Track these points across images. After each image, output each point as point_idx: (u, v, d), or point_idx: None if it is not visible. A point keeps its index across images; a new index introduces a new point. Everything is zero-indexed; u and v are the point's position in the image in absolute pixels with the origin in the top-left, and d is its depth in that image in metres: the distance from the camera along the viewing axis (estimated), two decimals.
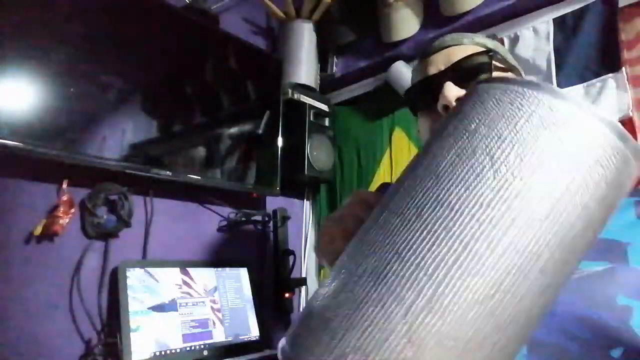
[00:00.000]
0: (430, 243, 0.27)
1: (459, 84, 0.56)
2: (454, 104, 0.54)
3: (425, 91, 0.60)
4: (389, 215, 0.31)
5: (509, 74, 0.61)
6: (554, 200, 0.27)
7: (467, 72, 0.57)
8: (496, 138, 0.29)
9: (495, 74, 0.57)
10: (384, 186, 0.47)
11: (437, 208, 0.28)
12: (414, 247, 0.27)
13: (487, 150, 0.29)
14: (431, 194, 0.29)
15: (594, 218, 0.29)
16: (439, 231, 0.27)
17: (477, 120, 0.30)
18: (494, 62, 0.57)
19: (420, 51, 0.65)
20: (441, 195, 0.28)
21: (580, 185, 0.28)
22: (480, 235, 0.27)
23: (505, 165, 0.28)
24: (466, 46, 0.60)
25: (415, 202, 0.29)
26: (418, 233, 0.28)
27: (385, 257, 0.28)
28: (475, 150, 0.29)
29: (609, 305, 0.41)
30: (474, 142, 0.29)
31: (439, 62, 0.60)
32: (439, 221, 0.27)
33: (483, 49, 0.59)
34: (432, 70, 0.60)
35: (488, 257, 0.26)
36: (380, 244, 0.29)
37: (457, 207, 0.27)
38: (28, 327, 1.01)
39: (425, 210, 0.28)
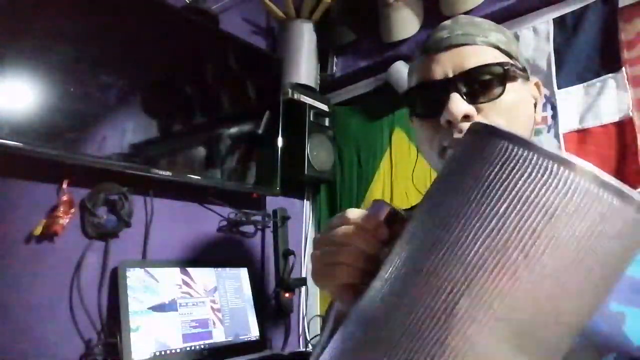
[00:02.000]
0: (462, 330, 0.27)
1: (468, 97, 0.51)
2: (460, 121, 0.50)
3: (428, 96, 0.55)
4: (415, 303, 0.29)
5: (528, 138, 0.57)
6: (583, 296, 0.27)
7: (478, 85, 0.52)
8: (530, 232, 0.26)
9: (507, 86, 0.52)
10: (376, 203, 0.45)
11: (471, 309, 0.27)
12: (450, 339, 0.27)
13: (522, 246, 0.26)
14: (461, 293, 0.27)
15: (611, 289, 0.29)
16: (469, 332, 0.27)
17: (507, 202, 0.27)
18: (508, 74, 0.53)
19: (424, 43, 0.58)
20: (474, 294, 0.27)
21: (613, 271, 0.28)
22: (510, 336, 0.27)
23: (541, 267, 0.26)
24: (479, 48, 0.53)
25: (443, 298, 0.28)
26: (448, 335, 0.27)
27: (428, 345, 0.27)
28: (508, 245, 0.27)
29: (601, 312, 0.40)
30: (504, 233, 0.27)
31: (447, 65, 0.53)
32: (472, 326, 0.27)
33: (498, 59, 0.53)
34: (438, 73, 0.54)
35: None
36: (415, 323, 0.28)
37: (491, 310, 0.26)
38: (28, 327, 1.01)
39: (457, 310, 0.27)
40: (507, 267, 0.26)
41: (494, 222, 0.27)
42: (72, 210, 1.07)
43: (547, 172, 0.27)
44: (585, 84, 1.15)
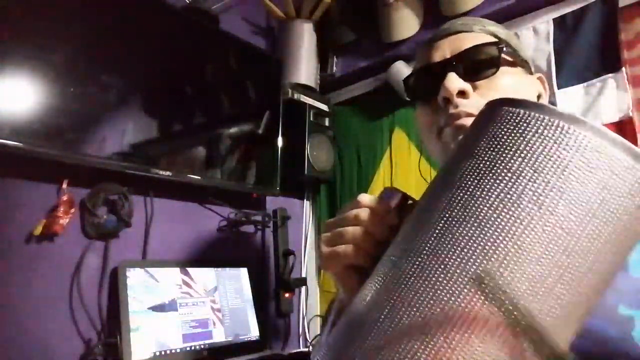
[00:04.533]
0: (479, 303, 0.26)
1: (464, 75, 0.52)
2: (455, 97, 0.51)
3: (427, 79, 0.56)
4: (430, 263, 0.28)
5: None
6: (597, 253, 0.27)
7: (473, 64, 0.53)
8: (544, 184, 0.27)
9: (502, 69, 0.53)
10: (387, 190, 0.45)
11: (485, 262, 0.26)
12: (463, 306, 0.26)
13: (535, 198, 0.27)
14: (476, 245, 0.27)
15: (628, 256, 0.29)
16: (487, 290, 0.26)
17: (520, 159, 0.28)
18: (503, 55, 0.54)
19: (426, 39, 0.61)
20: (487, 247, 0.27)
21: (623, 232, 0.28)
22: (531, 294, 0.26)
23: (555, 217, 0.26)
24: (476, 34, 0.56)
25: (458, 252, 0.27)
26: (465, 290, 0.26)
27: (430, 313, 0.27)
28: (522, 198, 0.27)
29: (610, 316, 0.40)
30: (518, 186, 0.27)
31: (445, 49, 0.55)
32: (487, 278, 0.26)
33: (493, 40, 0.55)
34: (437, 56, 0.56)
35: (538, 307, 0.26)
36: (422, 296, 0.27)
37: (505, 261, 0.26)
38: (28, 326, 1.01)
39: (470, 264, 0.27)
40: (522, 219, 0.27)
41: (508, 176, 0.28)
42: (72, 210, 1.07)
43: (559, 130, 0.28)
44: (585, 84, 1.15)
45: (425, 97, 0.57)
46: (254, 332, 1.32)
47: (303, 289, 1.60)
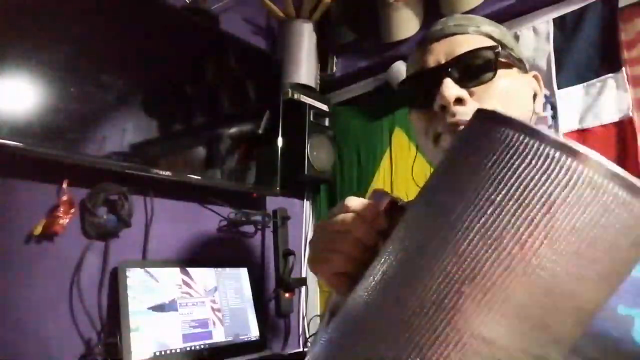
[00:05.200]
0: (452, 343, 0.26)
1: (460, 81, 0.51)
2: (452, 105, 0.50)
3: (422, 85, 0.55)
4: (407, 292, 0.28)
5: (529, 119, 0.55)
6: (583, 294, 0.26)
7: (469, 70, 0.52)
8: (528, 221, 0.25)
9: (498, 72, 0.52)
10: (376, 192, 0.45)
11: (462, 302, 0.26)
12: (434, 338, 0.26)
13: (518, 237, 0.25)
14: (452, 285, 0.26)
15: (616, 289, 0.28)
16: (463, 328, 0.26)
17: (504, 190, 0.26)
18: (499, 58, 0.53)
19: (420, 39, 0.59)
20: (464, 288, 0.26)
21: (613, 271, 0.27)
22: (510, 334, 0.26)
23: (537, 258, 0.25)
24: (471, 36, 0.54)
25: (435, 285, 0.27)
26: (437, 326, 0.26)
27: (423, 330, 0.26)
28: (502, 235, 0.25)
29: (610, 316, 0.40)
30: (501, 221, 0.25)
31: (440, 53, 0.54)
32: (459, 313, 0.26)
33: (490, 44, 0.54)
34: (431, 61, 0.54)
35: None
36: (413, 312, 0.27)
37: (482, 303, 0.25)
38: (28, 326, 1.01)
39: (447, 301, 0.26)
40: (502, 259, 0.25)
41: (489, 210, 0.26)
42: (72, 210, 1.07)
43: (549, 160, 0.25)
44: (585, 84, 1.15)
45: (421, 103, 0.55)
46: (254, 332, 1.32)
47: (303, 289, 1.60)
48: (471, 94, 0.52)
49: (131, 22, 1.20)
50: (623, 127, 1.07)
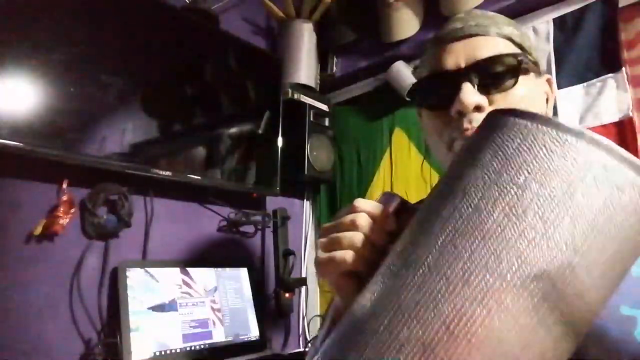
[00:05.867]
0: (481, 317, 0.26)
1: (479, 87, 0.50)
2: (471, 112, 0.49)
3: (438, 87, 0.53)
4: (430, 274, 0.28)
5: (545, 114, 0.54)
6: (601, 268, 0.27)
7: (490, 76, 0.50)
8: (549, 199, 0.27)
9: (520, 79, 0.51)
10: (386, 194, 0.44)
11: (487, 276, 0.26)
12: (464, 319, 0.26)
13: (540, 213, 0.27)
14: (479, 258, 0.27)
15: (630, 269, 0.29)
16: (490, 303, 0.26)
17: (526, 173, 0.28)
18: (521, 65, 0.51)
19: (437, 35, 0.57)
20: (490, 263, 0.26)
21: (628, 248, 0.28)
22: (533, 308, 0.26)
23: (559, 233, 0.26)
24: (492, 39, 0.52)
25: (461, 265, 0.27)
26: (467, 303, 0.26)
27: (432, 328, 0.26)
28: (527, 212, 0.27)
29: (612, 316, 0.40)
30: (524, 200, 0.27)
31: (460, 56, 0.52)
32: (490, 292, 0.26)
33: (511, 49, 0.52)
34: (450, 63, 0.52)
35: (536, 333, 0.26)
36: (422, 308, 0.27)
37: (509, 277, 0.26)
38: (28, 327, 1.01)
39: (473, 277, 0.26)
40: (527, 234, 0.26)
41: (514, 189, 0.27)
42: (72, 210, 1.07)
43: (567, 145, 0.28)
44: (585, 84, 1.15)
45: (436, 104, 0.54)
46: (254, 332, 1.32)
47: (303, 289, 1.60)
48: (490, 102, 0.51)
49: (131, 22, 1.20)
50: (623, 127, 1.07)
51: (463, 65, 0.51)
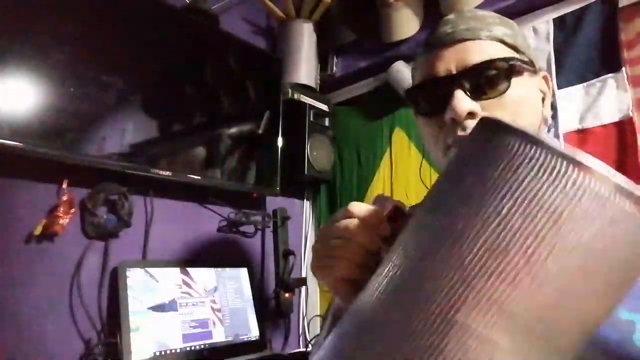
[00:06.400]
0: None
1: (471, 93, 0.50)
2: (464, 119, 0.49)
3: (431, 94, 0.54)
4: (412, 299, 0.28)
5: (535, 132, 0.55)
6: (588, 308, 0.26)
7: (482, 82, 0.50)
8: (534, 235, 0.25)
9: (512, 81, 0.50)
10: (380, 198, 0.45)
11: (467, 315, 0.26)
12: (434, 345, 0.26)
13: (524, 250, 0.25)
14: (459, 293, 0.26)
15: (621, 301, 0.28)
16: (468, 341, 0.26)
17: (510, 202, 0.26)
18: (513, 69, 0.51)
19: (428, 39, 0.57)
20: (469, 300, 0.26)
21: (620, 282, 0.27)
22: (506, 345, 0.26)
23: (544, 272, 0.25)
24: (484, 43, 0.52)
25: (441, 297, 0.26)
26: (443, 336, 0.26)
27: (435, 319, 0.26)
28: (509, 248, 0.25)
29: (611, 320, 0.39)
30: (507, 234, 0.25)
31: (450, 61, 0.52)
32: (466, 328, 0.26)
33: (503, 52, 0.52)
34: (441, 69, 0.52)
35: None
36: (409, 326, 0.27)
37: (489, 315, 0.25)
38: (28, 327, 1.01)
39: (452, 314, 0.26)
40: (508, 272, 0.25)
41: (495, 223, 0.26)
42: (72, 210, 1.07)
43: (555, 172, 0.25)
44: (585, 84, 1.15)
45: (430, 111, 0.54)
46: (254, 332, 1.32)
47: (303, 289, 1.60)
48: (483, 107, 0.50)
49: (131, 22, 1.20)
50: (623, 127, 1.07)
51: (454, 71, 0.51)
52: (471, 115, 0.50)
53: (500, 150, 0.27)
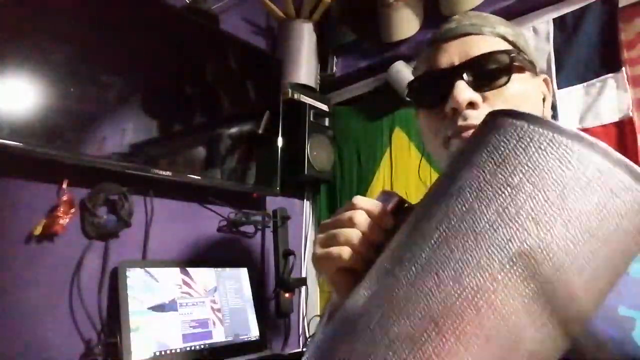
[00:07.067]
0: (470, 316, 0.26)
1: (473, 84, 0.51)
2: (465, 108, 0.50)
3: (433, 85, 0.54)
4: (422, 273, 0.28)
5: (542, 113, 0.54)
6: (593, 271, 0.27)
7: (484, 73, 0.51)
8: (542, 201, 0.27)
9: (512, 76, 0.51)
10: (384, 193, 0.45)
11: (479, 276, 0.26)
12: (453, 317, 0.26)
13: (533, 214, 0.27)
14: (471, 258, 0.27)
15: (622, 273, 0.29)
16: (480, 303, 0.26)
17: (520, 174, 0.28)
18: (514, 63, 0.52)
19: (433, 35, 0.58)
20: (482, 262, 0.26)
21: (621, 252, 0.28)
22: (522, 309, 0.26)
23: (551, 234, 0.26)
24: (486, 38, 0.53)
25: (453, 264, 0.27)
26: (458, 302, 0.26)
27: (422, 325, 0.27)
28: (519, 213, 0.27)
29: (610, 317, 0.40)
30: (517, 201, 0.27)
31: (453, 53, 0.53)
32: (480, 292, 0.26)
33: (505, 47, 0.53)
34: (444, 61, 0.53)
35: (525, 334, 0.26)
36: (413, 305, 0.27)
37: (499, 277, 0.26)
38: (28, 327, 1.01)
39: (464, 276, 0.27)
40: (519, 235, 0.26)
41: (507, 190, 0.28)
42: (72, 210, 1.07)
43: (562, 147, 0.28)
44: (585, 84, 1.15)
45: (431, 103, 0.55)
46: (254, 332, 1.32)
47: (303, 289, 1.60)
48: (484, 99, 0.51)
49: (131, 22, 1.20)
50: (623, 127, 1.07)
51: (457, 63, 0.52)
52: (472, 105, 0.50)
53: (510, 130, 0.30)
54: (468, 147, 0.33)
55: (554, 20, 1.22)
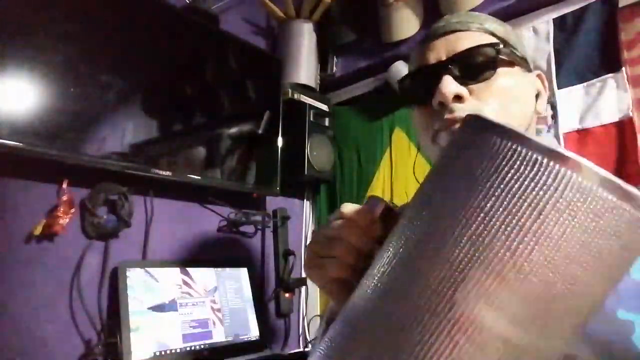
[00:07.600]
0: (446, 346, 0.26)
1: (460, 78, 0.51)
2: (450, 102, 0.50)
3: (421, 81, 0.55)
4: (402, 296, 0.28)
5: (524, 130, 0.55)
6: (576, 297, 0.26)
7: (470, 66, 0.52)
8: (517, 229, 0.25)
9: (500, 70, 0.52)
10: (371, 199, 0.45)
11: (456, 309, 0.26)
12: (428, 349, 0.26)
13: (508, 244, 0.25)
14: (446, 289, 0.26)
15: (612, 290, 0.28)
16: (457, 336, 0.26)
17: (493, 198, 0.26)
18: (500, 55, 0.52)
19: (422, 38, 0.59)
20: (456, 295, 0.26)
21: (605, 273, 0.26)
22: (493, 339, 0.26)
23: (528, 265, 0.25)
24: (473, 33, 0.54)
25: (429, 291, 0.27)
26: (434, 328, 0.26)
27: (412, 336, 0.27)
28: (493, 243, 0.25)
29: (609, 320, 0.39)
30: (491, 229, 0.26)
31: (440, 50, 0.54)
32: (455, 324, 0.26)
33: (491, 41, 0.53)
34: (432, 58, 0.54)
35: None
36: (406, 316, 0.27)
37: (475, 310, 0.25)
38: (28, 327, 1.01)
39: (441, 308, 0.26)
40: (493, 266, 0.25)
41: (479, 218, 0.26)
42: (72, 210, 1.07)
43: (537, 166, 0.25)
44: (585, 84, 1.15)
45: (421, 99, 0.55)
46: (254, 332, 1.32)
47: (303, 289, 1.60)
48: (471, 92, 0.51)
49: (131, 22, 1.20)
50: (623, 127, 1.07)
51: (444, 58, 0.53)
52: (459, 99, 0.51)
53: (483, 147, 0.28)
54: (442, 161, 0.32)
55: (554, 20, 1.23)
